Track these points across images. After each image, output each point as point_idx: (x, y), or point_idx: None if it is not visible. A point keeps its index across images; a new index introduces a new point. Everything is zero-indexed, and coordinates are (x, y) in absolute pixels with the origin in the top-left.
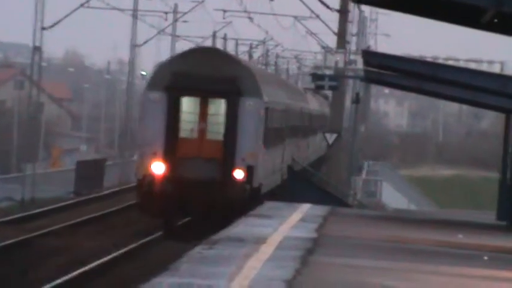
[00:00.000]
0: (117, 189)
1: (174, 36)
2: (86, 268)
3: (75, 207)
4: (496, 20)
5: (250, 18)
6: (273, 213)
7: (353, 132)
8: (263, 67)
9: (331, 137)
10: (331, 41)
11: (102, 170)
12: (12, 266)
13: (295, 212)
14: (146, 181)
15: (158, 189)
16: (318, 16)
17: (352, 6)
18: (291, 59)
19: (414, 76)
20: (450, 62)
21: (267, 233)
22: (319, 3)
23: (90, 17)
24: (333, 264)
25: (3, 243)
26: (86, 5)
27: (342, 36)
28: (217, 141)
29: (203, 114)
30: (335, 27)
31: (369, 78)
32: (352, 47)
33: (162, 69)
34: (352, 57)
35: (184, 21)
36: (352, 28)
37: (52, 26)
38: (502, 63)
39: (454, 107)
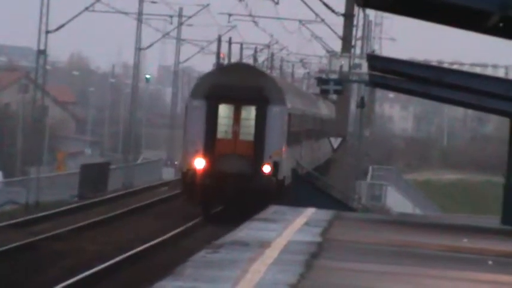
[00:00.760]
0: (121, 193)
1: (179, 40)
2: (92, 271)
3: (79, 210)
4: (501, 24)
5: (255, 22)
6: (277, 217)
7: (358, 137)
8: (268, 71)
9: (336, 141)
10: (336, 45)
11: (106, 174)
12: (17, 269)
13: (300, 216)
14: (189, 174)
15: (199, 181)
16: (323, 20)
17: (357, 10)
18: (296, 63)
19: (419, 80)
20: (455, 66)
21: (271, 237)
22: (324, 7)
23: (95, 20)
24: (338, 269)
25: (8, 246)
26: (90, 8)
27: (347, 40)
28: (248, 141)
29: (237, 119)
30: (340, 31)
31: (374, 83)
32: (357, 51)
33: (202, 81)
34: (357, 61)
35: (189, 25)
36: (357, 32)
37: (57, 30)
38: (507, 68)
39: (458, 111)
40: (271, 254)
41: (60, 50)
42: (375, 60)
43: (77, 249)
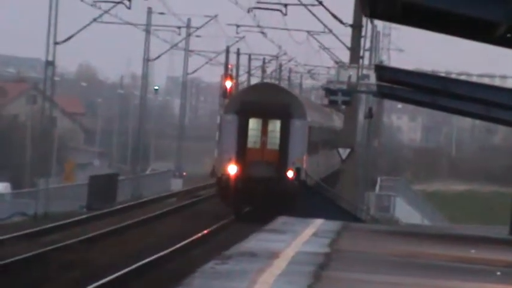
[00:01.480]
0: (130, 203)
1: (187, 51)
2: (102, 281)
3: (88, 221)
4: (508, 35)
5: (264, 33)
6: (285, 228)
7: (366, 147)
8: (276, 82)
9: (344, 152)
10: (344, 56)
11: (115, 185)
12: (27, 280)
13: (308, 227)
14: (224, 179)
15: (232, 184)
16: (331, 31)
17: (365, 21)
18: (304, 74)
19: (427, 91)
20: (463, 77)
21: (279, 247)
22: (332, 18)
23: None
24: (346, 279)
25: (17, 257)
26: (99, 19)
27: (355, 51)
28: (274, 150)
29: (264, 131)
30: (348, 42)
31: (382, 93)
32: (365, 61)
33: (234, 98)
34: (365, 71)
35: (198, 36)
36: (365, 43)
37: (65, 41)
38: None
39: (467, 121)
40: (279, 265)
41: (68, 61)
42: (383, 71)
43: (87, 260)
